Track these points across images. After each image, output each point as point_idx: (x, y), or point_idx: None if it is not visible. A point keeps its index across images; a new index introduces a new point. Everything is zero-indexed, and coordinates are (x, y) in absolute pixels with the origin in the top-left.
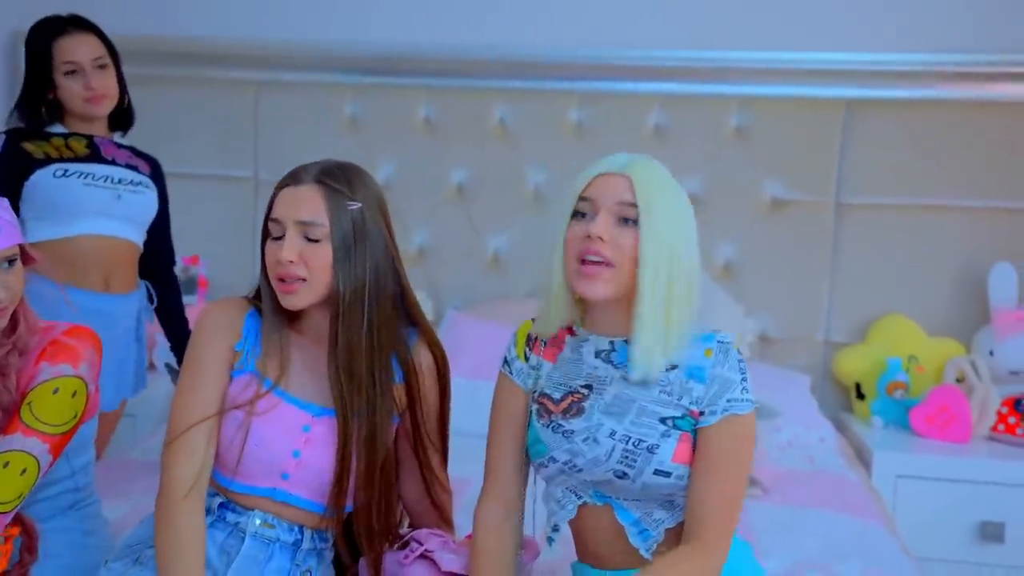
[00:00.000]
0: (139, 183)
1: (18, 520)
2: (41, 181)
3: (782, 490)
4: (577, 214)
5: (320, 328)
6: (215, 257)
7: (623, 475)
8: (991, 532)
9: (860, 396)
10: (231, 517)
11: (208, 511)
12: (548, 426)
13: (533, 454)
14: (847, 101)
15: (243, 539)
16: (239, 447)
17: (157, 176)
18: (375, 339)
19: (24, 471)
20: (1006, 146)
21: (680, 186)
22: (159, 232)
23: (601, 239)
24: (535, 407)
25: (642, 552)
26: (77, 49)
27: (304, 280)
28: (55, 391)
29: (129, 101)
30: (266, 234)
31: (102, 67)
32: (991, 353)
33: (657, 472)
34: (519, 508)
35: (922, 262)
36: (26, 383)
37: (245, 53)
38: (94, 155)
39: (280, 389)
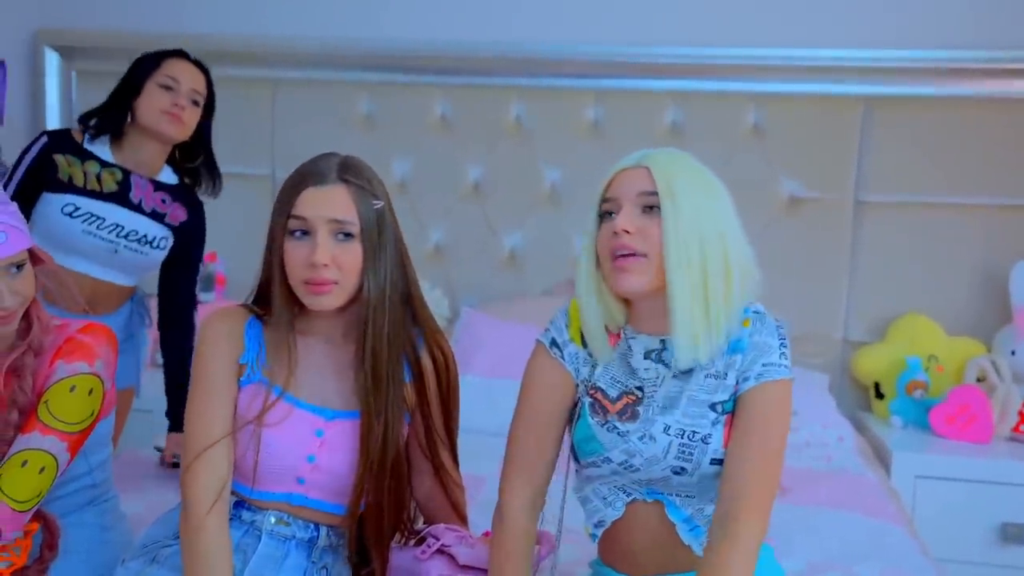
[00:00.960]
0: (148, 241)
1: (39, 516)
2: (47, 210)
3: (800, 490)
4: (604, 216)
5: (331, 329)
6: (232, 255)
7: (680, 471)
8: (1013, 534)
9: (879, 395)
10: (247, 516)
11: None
12: (603, 425)
13: (585, 452)
14: (865, 98)
15: (259, 537)
16: (253, 457)
17: (191, 224)
18: (392, 339)
19: (42, 469)
20: None
21: (707, 169)
22: (179, 274)
23: (627, 232)
24: (588, 400)
25: (694, 549)
26: (184, 73)
27: (337, 283)
28: (72, 389)
29: (213, 161)
30: (277, 233)
31: (196, 102)
32: (1012, 353)
33: (713, 461)
34: (543, 498)
35: (942, 260)
36: (42, 382)
37: (262, 51)
38: (120, 195)
39: (290, 395)
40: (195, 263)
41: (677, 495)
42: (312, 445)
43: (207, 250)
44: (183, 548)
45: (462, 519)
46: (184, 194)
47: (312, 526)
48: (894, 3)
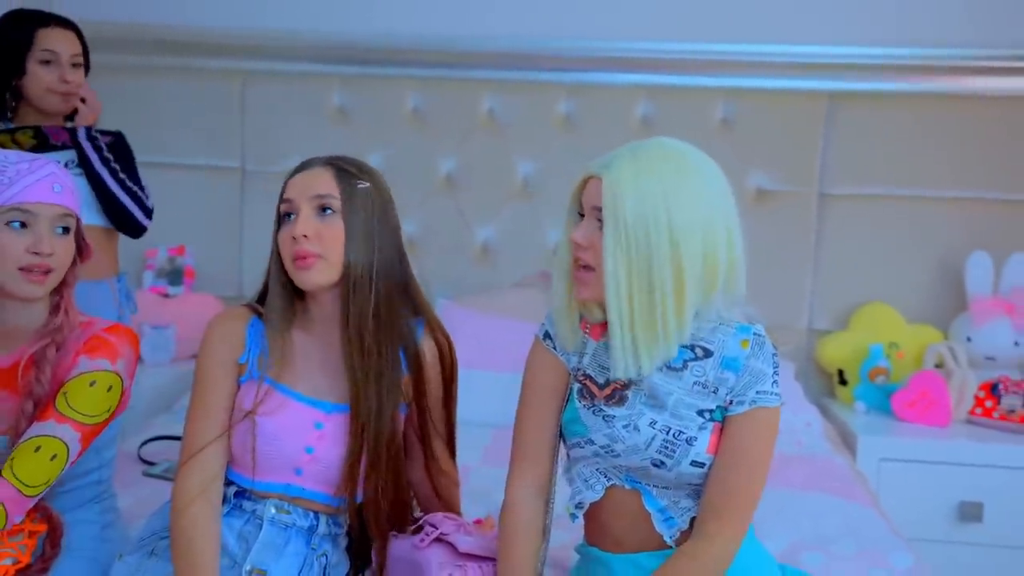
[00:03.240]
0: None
1: (45, 517)
2: None
3: (774, 473)
4: (577, 214)
5: (330, 323)
6: (202, 247)
7: (660, 464)
8: (970, 512)
9: (843, 382)
10: (247, 505)
11: (224, 500)
12: (590, 408)
13: (570, 433)
14: (830, 93)
15: (260, 526)
16: (251, 449)
17: (118, 146)
18: (381, 318)
19: (54, 457)
20: (983, 138)
21: (694, 170)
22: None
23: (579, 244)
24: (577, 386)
25: (666, 539)
26: (61, 42)
27: (320, 256)
28: (92, 383)
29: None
30: (275, 224)
31: (76, 66)
32: (968, 339)
33: (693, 463)
34: (549, 485)
35: (902, 251)
36: (63, 375)
37: (232, 42)
38: (41, 144)
39: (287, 387)
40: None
41: (655, 486)
42: (311, 437)
43: (176, 243)
44: (171, 537)
45: (454, 513)
46: (97, 130)
47: (312, 514)
48: (858, 2)
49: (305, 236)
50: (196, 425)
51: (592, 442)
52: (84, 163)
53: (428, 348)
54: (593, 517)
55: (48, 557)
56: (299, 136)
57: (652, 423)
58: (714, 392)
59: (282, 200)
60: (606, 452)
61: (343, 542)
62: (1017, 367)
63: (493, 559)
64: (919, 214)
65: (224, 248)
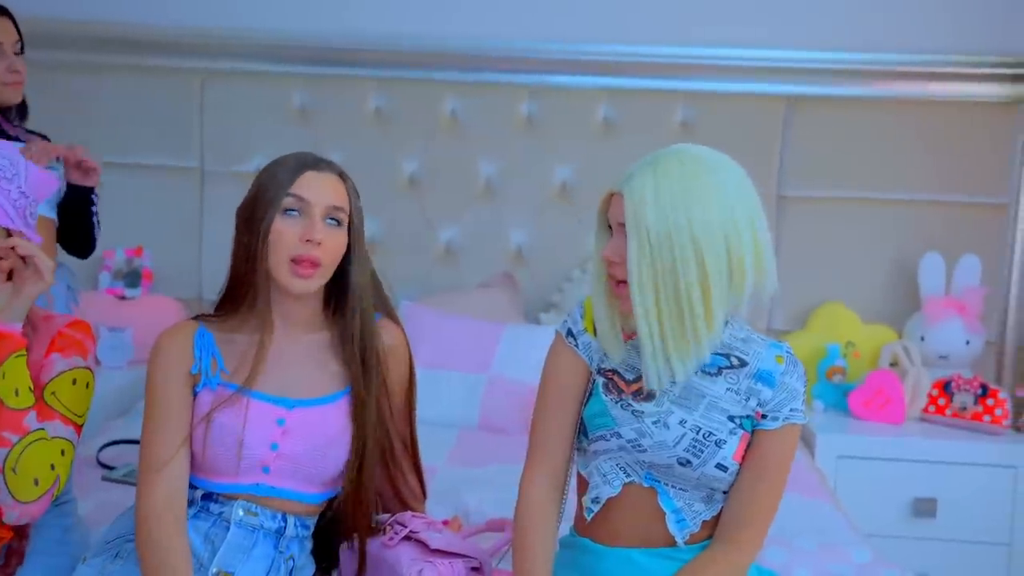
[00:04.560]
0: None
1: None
2: None
3: None
4: (606, 230)
5: (292, 321)
6: (159, 249)
7: (686, 463)
8: (924, 508)
9: None
10: (214, 508)
11: (191, 503)
12: (618, 403)
13: (595, 426)
14: (787, 97)
15: (228, 528)
16: (216, 453)
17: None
18: (368, 318)
19: (64, 452)
20: (937, 142)
21: (714, 175)
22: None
23: (611, 261)
24: (602, 380)
25: (678, 540)
26: (1, 32)
27: (321, 265)
28: (74, 382)
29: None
30: (264, 213)
31: (18, 53)
32: (922, 338)
33: (718, 466)
34: (564, 482)
35: (858, 253)
36: (37, 372)
37: (191, 41)
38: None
39: (248, 389)
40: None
41: (673, 486)
42: (275, 433)
43: (134, 244)
44: (140, 555)
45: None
46: (29, 131)
47: (280, 516)
48: (815, 8)
49: (320, 243)
50: (154, 438)
51: (619, 435)
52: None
53: (390, 350)
54: (604, 511)
55: (12, 565)
56: (259, 136)
57: (682, 422)
58: (746, 400)
59: (289, 194)
60: (633, 447)
61: (309, 544)
62: (968, 365)
63: (463, 556)
64: (874, 216)
65: (183, 250)
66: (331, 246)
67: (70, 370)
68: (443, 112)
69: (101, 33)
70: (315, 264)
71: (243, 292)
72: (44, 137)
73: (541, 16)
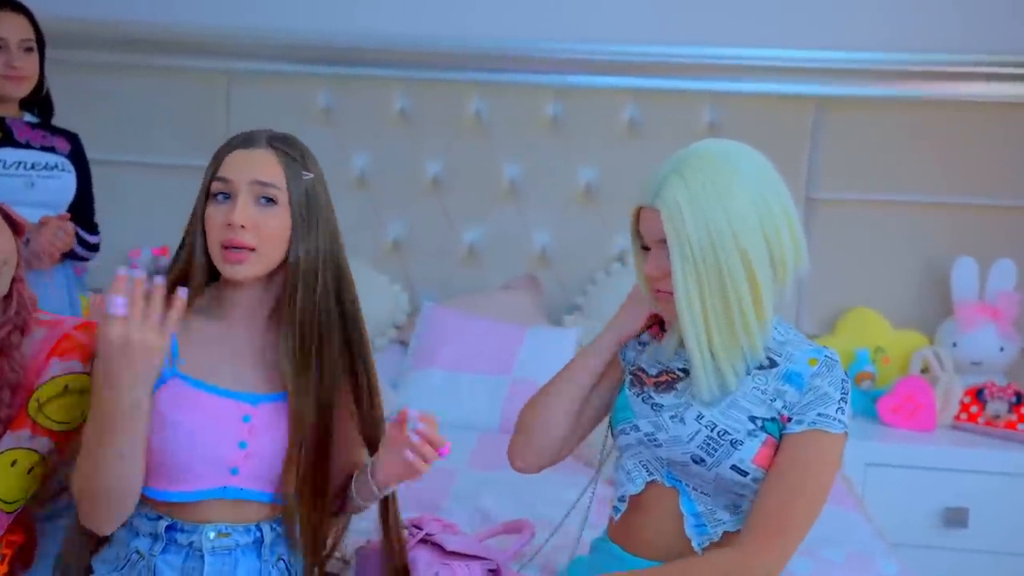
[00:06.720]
0: (55, 166)
1: (23, 526)
2: None
3: None
4: (643, 246)
5: (252, 313)
6: None
7: (700, 460)
8: (955, 517)
9: None
10: (182, 538)
11: (155, 537)
12: (639, 396)
13: (617, 420)
14: (817, 98)
15: (202, 558)
16: (181, 455)
17: (77, 154)
18: (322, 316)
19: (31, 470)
20: (970, 144)
21: (743, 173)
22: (79, 211)
23: (655, 277)
24: (629, 377)
25: (694, 545)
26: (8, 26)
27: (254, 250)
28: (65, 388)
29: (48, 90)
30: (201, 201)
31: (28, 50)
32: (954, 345)
33: (734, 468)
34: (555, 452)
35: (888, 256)
36: (34, 376)
37: (217, 42)
38: (7, 139)
39: (204, 383)
40: (89, 195)
41: (694, 488)
42: (241, 431)
43: (159, 244)
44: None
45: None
46: (54, 128)
47: (253, 528)
48: (847, 7)
49: (243, 226)
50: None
51: (637, 428)
52: (83, 179)
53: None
54: (629, 512)
55: (16, 572)
56: None
57: (699, 417)
58: (771, 401)
59: (215, 177)
60: (649, 440)
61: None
62: (1003, 372)
63: (480, 558)
64: (905, 219)
65: None
66: (265, 227)
67: (63, 375)
68: (468, 113)
69: (129, 34)
70: (245, 248)
71: (197, 282)
72: (73, 136)
73: (567, 16)
